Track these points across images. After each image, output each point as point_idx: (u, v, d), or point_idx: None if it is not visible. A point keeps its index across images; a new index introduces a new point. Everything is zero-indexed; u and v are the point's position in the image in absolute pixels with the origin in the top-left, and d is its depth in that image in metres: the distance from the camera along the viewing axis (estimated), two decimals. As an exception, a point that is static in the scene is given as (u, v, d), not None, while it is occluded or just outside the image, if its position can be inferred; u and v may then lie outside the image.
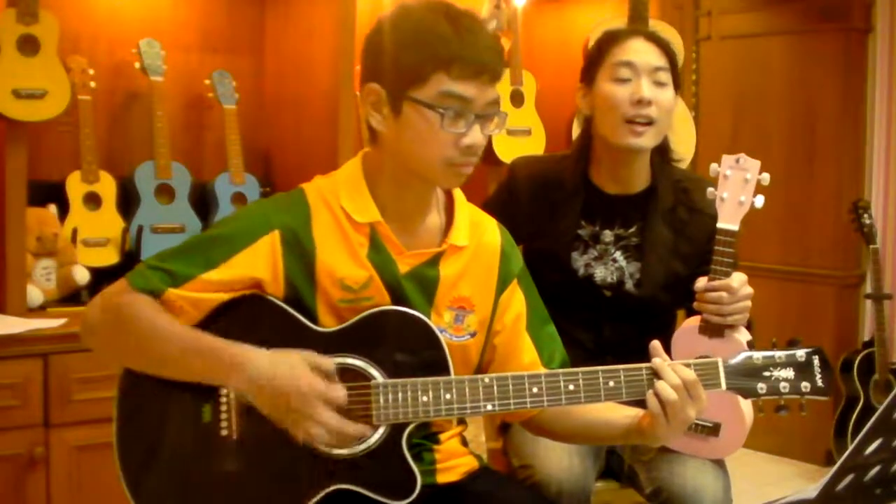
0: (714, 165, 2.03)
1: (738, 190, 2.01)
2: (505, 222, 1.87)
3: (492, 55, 1.62)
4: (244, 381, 1.56)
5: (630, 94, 2.15)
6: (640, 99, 2.14)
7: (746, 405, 2.06)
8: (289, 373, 1.55)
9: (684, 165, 2.88)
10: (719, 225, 2.02)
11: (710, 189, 2.03)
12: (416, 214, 1.73)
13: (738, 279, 2.00)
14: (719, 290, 1.99)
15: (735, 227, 2.01)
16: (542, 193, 2.27)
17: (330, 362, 1.59)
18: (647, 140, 2.17)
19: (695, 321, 2.05)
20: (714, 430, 2.07)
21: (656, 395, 1.61)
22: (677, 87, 2.23)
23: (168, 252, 1.67)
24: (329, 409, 1.54)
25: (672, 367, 1.63)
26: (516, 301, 1.82)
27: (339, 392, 1.56)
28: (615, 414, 1.72)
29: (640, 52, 2.18)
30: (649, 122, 2.15)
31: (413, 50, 1.60)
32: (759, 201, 2.00)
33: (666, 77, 2.19)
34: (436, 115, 1.60)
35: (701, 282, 2.02)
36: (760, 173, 2.00)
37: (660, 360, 1.64)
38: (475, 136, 1.63)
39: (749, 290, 2.02)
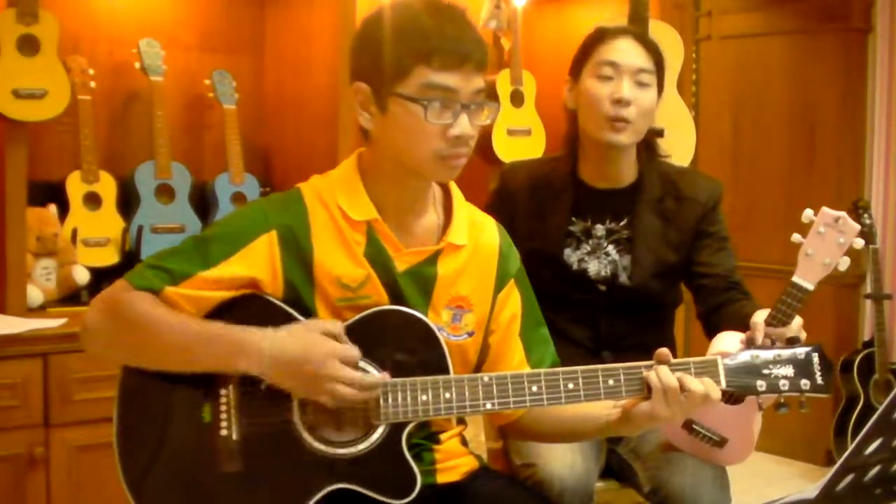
0: (809, 212, 1.85)
1: (826, 251, 1.84)
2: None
3: (473, 44, 1.62)
4: (257, 362, 1.56)
5: (610, 92, 2.18)
6: (620, 98, 2.17)
7: (757, 427, 2.07)
8: (300, 343, 1.56)
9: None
10: (795, 279, 1.87)
11: (797, 236, 1.87)
12: (413, 212, 1.73)
13: (794, 328, 1.88)
14: (772, 337, 1.86)
15: (811, 286, 1.86)
16: (533, 194, 2.31)
17: (337, 324, 1.61)
18: (625, 138, 2.20)
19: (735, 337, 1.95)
20: (720, 443, 2.07)
21: (658, 376, 1.61)
22: (661, 89, 2.26)
23: (166, 251, 1.68)
24: (347, 367, 1.56)
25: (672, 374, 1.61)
26: (512, 301, 1.82)
27: (353, 351, 1.58)
28: (596, 407, 1.71)
29: (625, 52, 2.21)
30: (626, 122, 2.17)
31: (394, 45, 1.60)
32: (844, 264, 1.85)
33: (649, 79, 2.21)
34: (420, 108, 1.59)
35: (760, 315, 1.89)
36: (856, 237, 1.84)
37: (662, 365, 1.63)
38: (463, 127, 1.62)
39: (803, 334, 1.91)
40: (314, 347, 1.56)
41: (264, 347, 1.56)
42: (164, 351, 1.61)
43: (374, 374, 1.60)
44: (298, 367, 1.56)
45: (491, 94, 3.35)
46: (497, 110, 1.70)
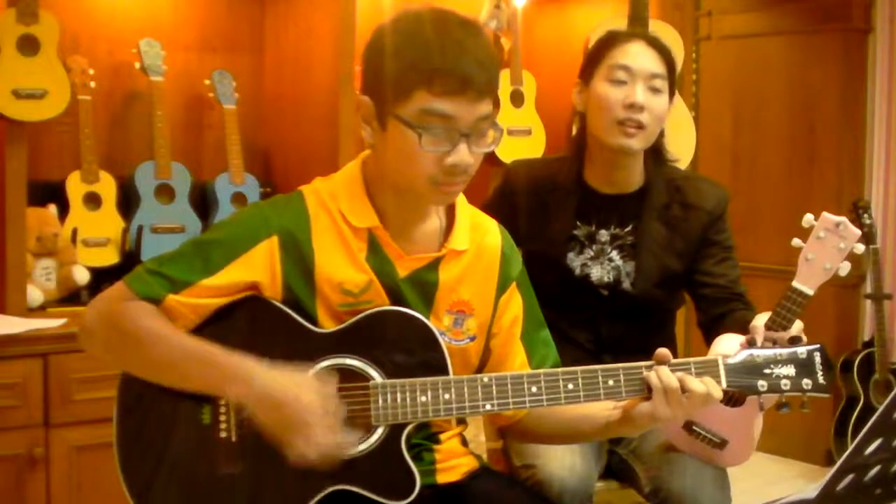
0: (809, 217, 1.86)
1: (827, 256, 1.85)
2: (502, 226, 1.87)
3: (479, 68, 1.55)
4: (245, 393, 1.54)
5: (624, 97, 2.16)
6: (633, 103, 2.15)
7: (757, 428, 2.06)
8: (292, 388, 1.53)
9: (683, 166, 2.89)
10: (795, 284, 1.88)
11: (797, 241, 1.88)
12: (415, 220, 1.72)
13: (794, 331, 1.88)
14: (773, 340, 1.86)
15: (811, 292, 1.87)
16: (537, 196, 2.29)
17: (330, 380, 1.57)
18: (637, 143, 2.18)
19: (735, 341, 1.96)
20: (720, 444, 2.07)
21: (658, 376, 1.60)
22: (672, 94, 2.24)
23: (167, 256, 1.66)
24: (325, 427, 1.52)
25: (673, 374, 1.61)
26: (514, 304, 1.81)
27: (339, 409, 1.55)
28: (596, 407, 1.70)
29: (638, 56, 2.19)
30: (639, 127, 2.16)
31: (396, 63, 1.56)
32: (845, 269, 1.86)
33: (661, 84, 2.19)
34: (415, 135, 1.55)
35: (760, 319, 1.91)
36: (857, 242, 1.85)
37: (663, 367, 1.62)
38: (460, 156, 1.57)
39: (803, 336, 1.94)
40: (302, 397, 1.52)
41: (255, 377, 1.54)
42: (158, 366, 1.61)
43: (347, 441, 1.56)
44: (280, 407, 1.52)
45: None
46: (501, 136, 1.63)
